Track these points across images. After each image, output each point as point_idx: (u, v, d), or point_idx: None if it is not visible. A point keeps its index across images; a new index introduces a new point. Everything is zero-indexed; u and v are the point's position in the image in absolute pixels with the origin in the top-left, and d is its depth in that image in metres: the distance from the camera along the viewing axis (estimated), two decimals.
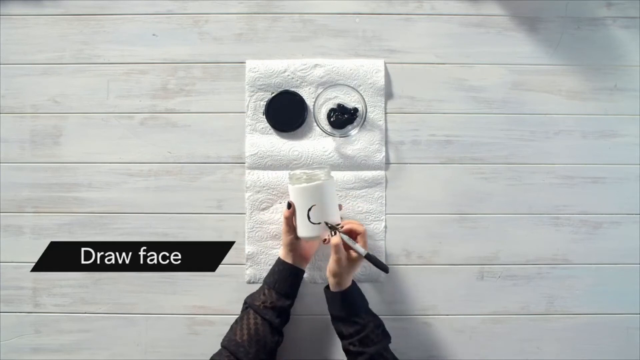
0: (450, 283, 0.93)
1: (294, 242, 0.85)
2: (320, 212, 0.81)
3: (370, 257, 0.80)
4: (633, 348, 0.94)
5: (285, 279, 0.84)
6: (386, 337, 0.82)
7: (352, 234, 0.82)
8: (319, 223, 0.81)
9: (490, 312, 0.94)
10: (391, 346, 0.82)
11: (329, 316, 0.84)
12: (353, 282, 0.83)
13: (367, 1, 0.95)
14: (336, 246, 0.79)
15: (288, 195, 0.90)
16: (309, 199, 0.82)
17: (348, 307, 0.81)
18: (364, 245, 0.81)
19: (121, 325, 0.93)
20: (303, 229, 0.83)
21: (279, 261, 0.86)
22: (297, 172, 0.85)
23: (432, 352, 0.93)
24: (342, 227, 0.82)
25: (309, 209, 0.81)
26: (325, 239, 0.82)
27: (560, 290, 0.94)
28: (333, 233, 0.80)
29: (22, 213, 0.93)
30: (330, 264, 0.81)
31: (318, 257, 0.92)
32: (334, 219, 0.82)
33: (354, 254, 0.81)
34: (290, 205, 0.84)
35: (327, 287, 0.84)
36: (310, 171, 0.84)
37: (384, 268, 0.80)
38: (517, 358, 0.93)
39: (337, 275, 0.81)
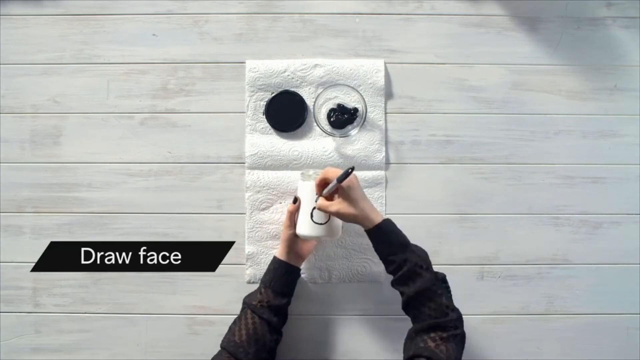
0: (450, 283, 0.93)
1: (292, 239, 0.85)
2: (325, 214, 0.81)
3: (340, 180, 0.76)
4: (633, 348, 0.94)
5: (281, 277, 0.84)
6: (430, 273, 0.76)
7: (325, 184, 0.80)
8: (322, 224, 0.81)
9: (490, 312, 0.94)
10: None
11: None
12: (386, 220, 0.78)
13: (367, 1, 0.95)
14: (323, 207, 0.78)
15: (288, 195, 0.90)
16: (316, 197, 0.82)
17: (381, 245, 0.78)
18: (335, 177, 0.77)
19: (121, 325, 0.93)
20: (304, 227, 0.83)
21: (275, 259, 0.86)
22: (310, 170, 0.87)
23: None
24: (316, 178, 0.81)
25: (314, 208, 0.81)
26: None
27: (560, 290, 0.94)
28: (317, 197, 0.80)
29: (22, 213, 0.93)
30: (340, 219, 0.80)
31: (318, 257, 0.92)
32: (337, 224, 0.84)
33: (337, 196, 0.79)
34: (296, 200, 0.84)
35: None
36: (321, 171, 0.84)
37: (347, 172, 0.75)
38: (517, 358, 0.93)
39: (351, 219, 0.78)
